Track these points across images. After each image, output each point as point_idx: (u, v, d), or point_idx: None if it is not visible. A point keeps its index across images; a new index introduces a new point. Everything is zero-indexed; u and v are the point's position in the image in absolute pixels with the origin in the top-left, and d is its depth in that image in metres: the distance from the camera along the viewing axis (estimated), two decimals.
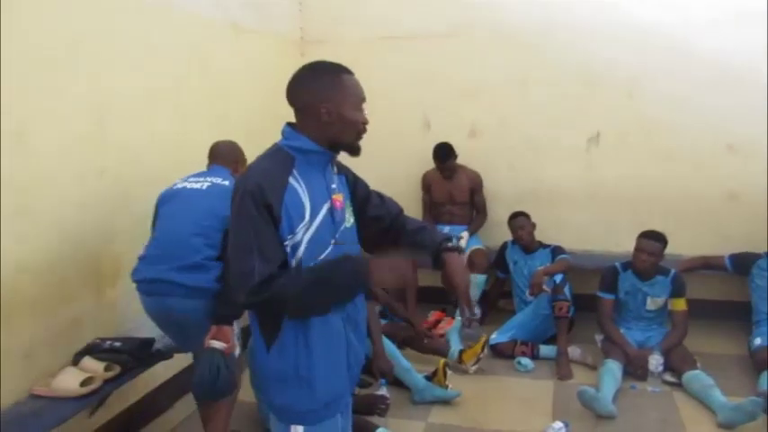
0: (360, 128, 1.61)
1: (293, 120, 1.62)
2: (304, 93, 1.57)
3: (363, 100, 1.62)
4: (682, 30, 4.18)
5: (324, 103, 1.54)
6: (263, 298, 1.46)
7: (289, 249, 1.51)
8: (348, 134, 1.59)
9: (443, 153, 4.40)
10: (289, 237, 1.50)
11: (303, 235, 1.52)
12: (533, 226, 4.16)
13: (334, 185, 1.64)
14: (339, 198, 1.64)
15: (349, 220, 1.67)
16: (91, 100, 2.69)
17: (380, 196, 1.84)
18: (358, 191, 1.77)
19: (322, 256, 1.56)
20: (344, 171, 1.76)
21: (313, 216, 1.54)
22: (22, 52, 2.32)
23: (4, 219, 2.27)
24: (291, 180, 1.53)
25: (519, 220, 4.15)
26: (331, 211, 1.60)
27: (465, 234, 4.39)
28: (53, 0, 2.48)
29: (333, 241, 1.59)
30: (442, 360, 3.47)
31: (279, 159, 1.56)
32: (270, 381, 1.61)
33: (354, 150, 1.63)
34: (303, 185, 1.54)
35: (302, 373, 1.57)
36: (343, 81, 1.58)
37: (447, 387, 3.33)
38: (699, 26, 4.15)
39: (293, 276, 1.49)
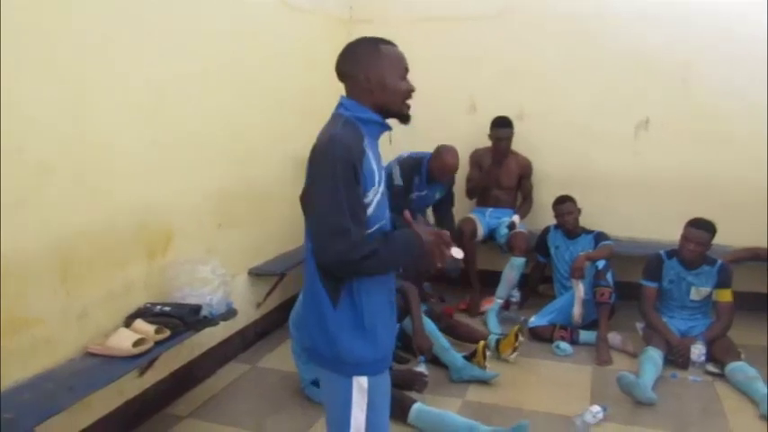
0: (404, 95, 1.70)
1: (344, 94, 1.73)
2: (347, 62, 1.70)
3: (406, 69, 1.72)
4: (737, 15, 4.06)
5: (363, 70, 1.66)
6: (363, 255, 1.54)
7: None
8: (393, 102, 1.69)
9: (500, 120, 4.36)
10: (364, 198, 1.60)
11: (373, 197, 1.62)
12: (579, 211, 4.11)
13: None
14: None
15: None
16: (146, 78, 2.77)
17: None
18: None
19: (386, 218, 1.69)
20: None
21: (380, 181, 1.65)
22: (78, 30, 2.42)
23: (62, 187, 2.37)
24: (365, 147, 1.62)
25: (567, 206, 4.08)
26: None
27: (516, 217, 4.39)
28: None
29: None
30: (482, 341, 3.46)
31: (352, 129, 1.63)
32: (340, 333, 1.66)
33: (404, 118, 1.73)
34: (371, 153, 1.64)
35: (367, 323, 1.66)
36: (380, 50, 1.68)
37: (486, 368, 3.34)
38: (755, 11, 4.01)
39: (381, 240, 1.60)
